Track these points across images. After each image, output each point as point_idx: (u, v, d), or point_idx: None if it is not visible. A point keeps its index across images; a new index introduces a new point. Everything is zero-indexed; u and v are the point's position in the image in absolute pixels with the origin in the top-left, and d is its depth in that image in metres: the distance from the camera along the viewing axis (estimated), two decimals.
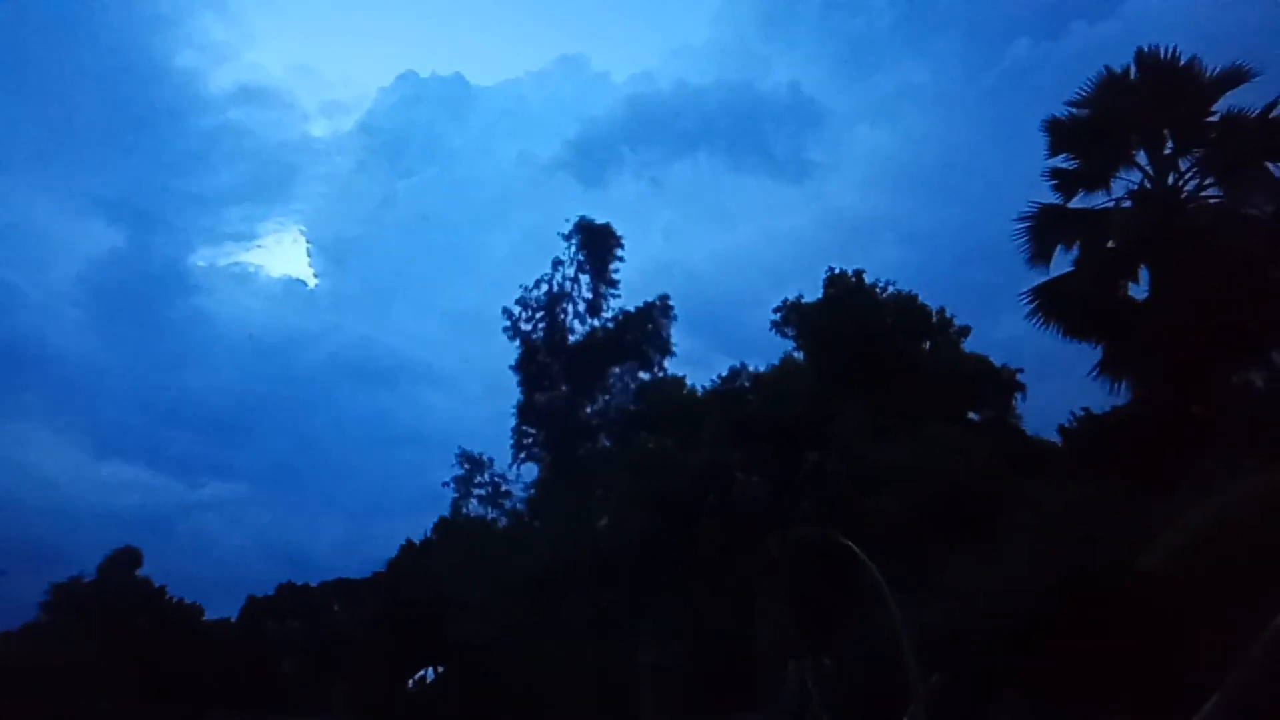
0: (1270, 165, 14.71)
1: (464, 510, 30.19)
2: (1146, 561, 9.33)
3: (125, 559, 36.76)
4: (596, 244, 28.18)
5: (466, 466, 29.51)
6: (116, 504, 54.13)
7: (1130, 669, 10.61)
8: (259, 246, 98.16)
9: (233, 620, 39.21)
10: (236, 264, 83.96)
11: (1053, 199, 16.59)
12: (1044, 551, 11.52)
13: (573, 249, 28.06)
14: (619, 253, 28.32)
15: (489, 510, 29.86)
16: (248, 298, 72.23)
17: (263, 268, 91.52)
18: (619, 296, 27.93)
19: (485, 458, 29.54)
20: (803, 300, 23.95)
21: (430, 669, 32.50)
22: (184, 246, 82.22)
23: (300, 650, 34.20)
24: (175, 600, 39.66)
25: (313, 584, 39.21)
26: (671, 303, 27.92)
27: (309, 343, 67.89)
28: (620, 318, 27.60)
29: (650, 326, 27.32)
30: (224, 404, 63.94)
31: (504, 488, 29.31)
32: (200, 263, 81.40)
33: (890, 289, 23.16)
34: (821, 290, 23.67)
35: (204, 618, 40.48)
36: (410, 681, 32.92)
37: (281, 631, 36.04)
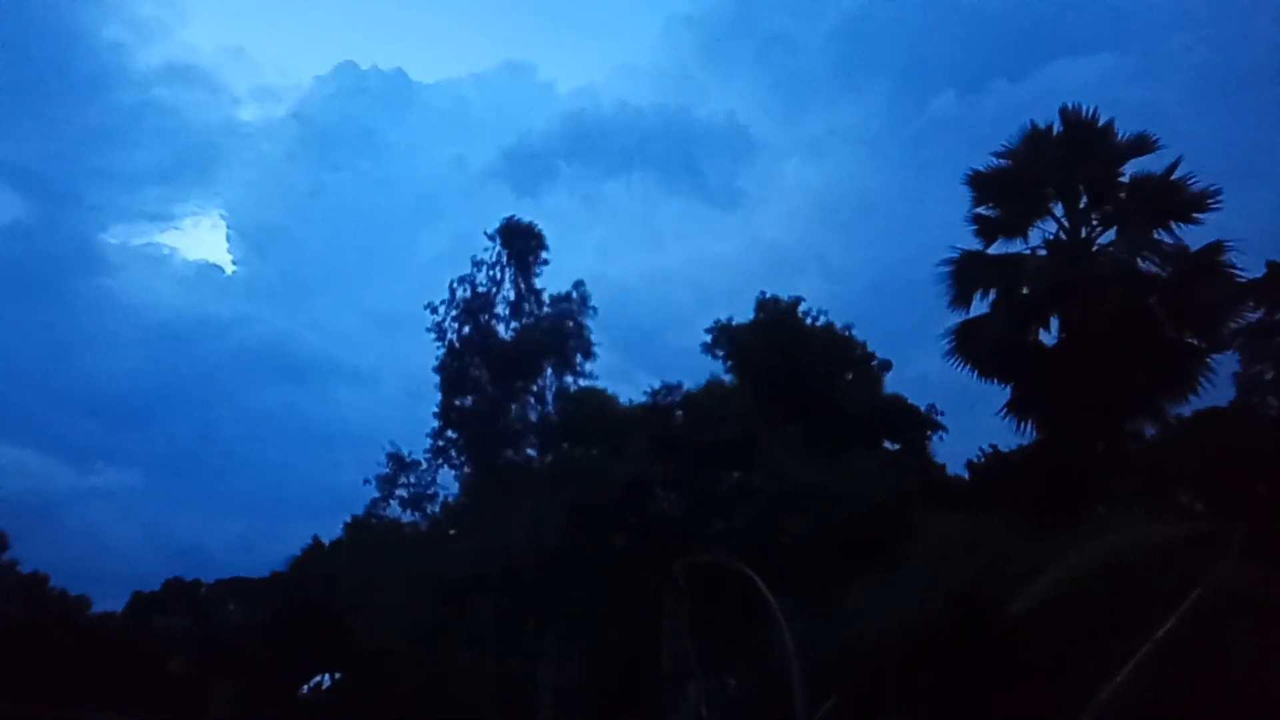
0: (1173, 225, 15.64)
1: (384, 511, 29.34)
2: (1018, 607, 9.65)
3: None
4: (521, 244, 27.94)
5: (392, 466, 28.70)
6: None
7: (1011, 697, 10.95)
8: (176, 229, 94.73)
9: (118, 615, 37.25)
10: (150, 244, 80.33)
11: (974, 244, 17.27)
12: (939, 580, 11.85)
13: (497, 248, 27.81)
14: (544, 254, 28.13)
15: (410, 513, 29.11)
16: (159, 280, 68.99)
17: (178, 250, 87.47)
18: (545, 303, 27.76)
19: (413, 458, 28.78)
20: (734, 322, 24.26)
21: (327, 674, 31.43)
22: (96, 224, 78.19)
23: (189, 649, 32.62)
24: (58, 591, 37.47)
25: (207, 581, 37.70)
26: (589, 292, 27.62)
27: (221, 331, 65.05)
28: (540, 314, 27.38)
29: (570, 323, 27.16)
30: (125, 389, 60.59)
31: (430, 490, 28.63)
32: (112, 240, 77.55)
33: (820, 319, 23.71)
34: (752, 313, 24.05)
35: (91, 611, 38.35)
36: (305, 687, 31.76)
37: (169, 629, 34.33)
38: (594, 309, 27.53)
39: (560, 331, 27.13)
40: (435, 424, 27.87)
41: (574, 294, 27.56)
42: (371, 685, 25.38)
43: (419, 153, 71.43)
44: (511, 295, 27.77)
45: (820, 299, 24.59)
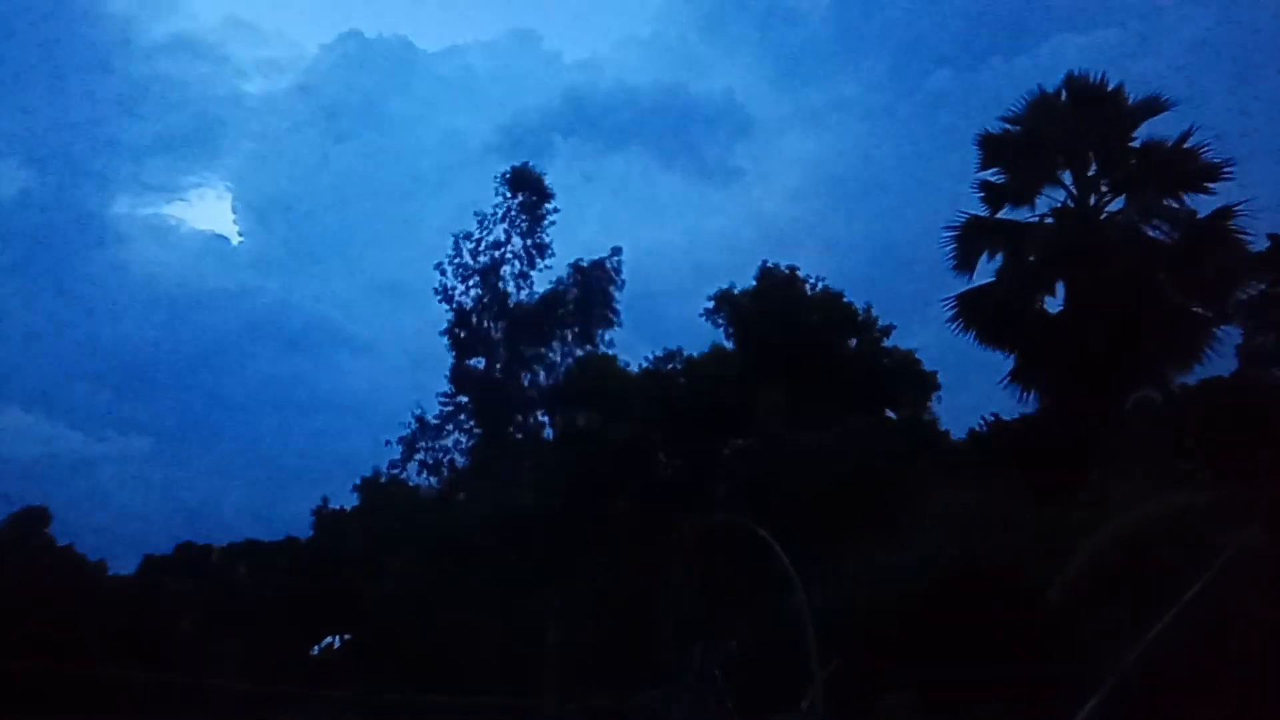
0: (1183, 195, 15.52)
1: (401, 473, 29.59)
2: (1055, 594, 9.64)
3: (33, 517, 35.16)
4: (530, 193, 27.65)
5: (416, 428, 28.80)
6: (10, 453, 51.33)
7: (1012, 663, 11.12)
8: (182, 200, 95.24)
9: (130, 578, 37.88)
10: (157, 215, 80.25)
11: (980, 210, 17.16)
12: (940, 545, 11.97)
13: (504, 201, 27.57)
14: (550, 205, 27.84)
15: (425, 476, 29.37)
16: (166, 250, 68.89)
17: (185, 221, 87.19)
18: (554, 255, 27.53)
19: (436, 421, 28.85)
20: (735, 289, 24.25)
21: (337, 636, 32.00)
22: (103, 194, 77.52)
23: (200, 611, 33.19)
24: (79, 557, 38.05)
25: (218, 545, 38.25)
26: (621, 262, 27.32)
27: (227, 300, 65.17)
28: (560, 281, 27.18)
29: (594, 291, 27.01)
30: (133, 357, 60.89)
31: (447, 458, 28.86)
32: (119, 211, 77.78)
33: (819, 285, 23.69)
34: (754, 282, 24.03)
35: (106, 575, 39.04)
36: (316, 648, 32.33)
37: (181, 591, 34.93)
38: (623, 280, 27.24)
39: (591, 295, 26.77)
40: (442, 390, 28.00)
41: (608, 263, 27.22)
42: (380, 647, 25.81)
43: (424, 123, 70.48)
44: (520, 251, 27.61)
45: (819, 272, 24.44)
